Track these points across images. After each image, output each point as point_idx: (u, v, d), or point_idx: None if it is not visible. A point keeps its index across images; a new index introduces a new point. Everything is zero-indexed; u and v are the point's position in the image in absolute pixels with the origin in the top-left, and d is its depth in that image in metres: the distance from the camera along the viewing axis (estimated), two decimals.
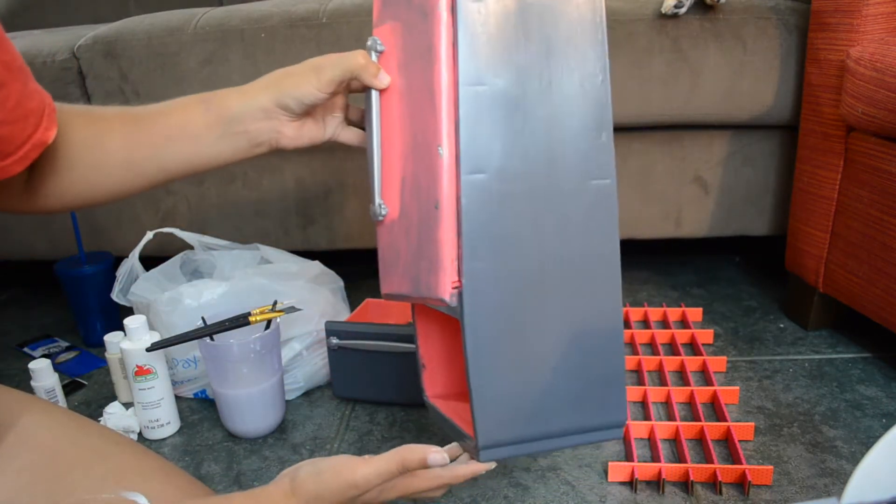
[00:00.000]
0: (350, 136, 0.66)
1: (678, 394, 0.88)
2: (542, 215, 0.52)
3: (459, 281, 0.50)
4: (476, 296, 0.51)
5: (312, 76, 0.58)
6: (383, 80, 0.56)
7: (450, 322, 0.63)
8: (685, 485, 0.74)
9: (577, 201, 0.53)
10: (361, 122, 0.65)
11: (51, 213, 0.62)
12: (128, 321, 0.85)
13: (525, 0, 0.51)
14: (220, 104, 0.60)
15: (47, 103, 0.53)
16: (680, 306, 1.10)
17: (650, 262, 1.34)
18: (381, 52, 0.57)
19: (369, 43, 0.57)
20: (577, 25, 0.52)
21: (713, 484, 0.74)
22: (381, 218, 0.58)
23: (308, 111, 0.61)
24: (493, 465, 0.54)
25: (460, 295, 0.50)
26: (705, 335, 1.03)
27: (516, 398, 0.53)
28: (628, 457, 0.79)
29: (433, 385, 0.65)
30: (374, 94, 0.57)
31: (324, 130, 0.64)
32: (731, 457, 0.78)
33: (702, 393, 0.88)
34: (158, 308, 0.89)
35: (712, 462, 0.76)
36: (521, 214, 0.51)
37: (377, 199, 0.57)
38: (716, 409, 0.86)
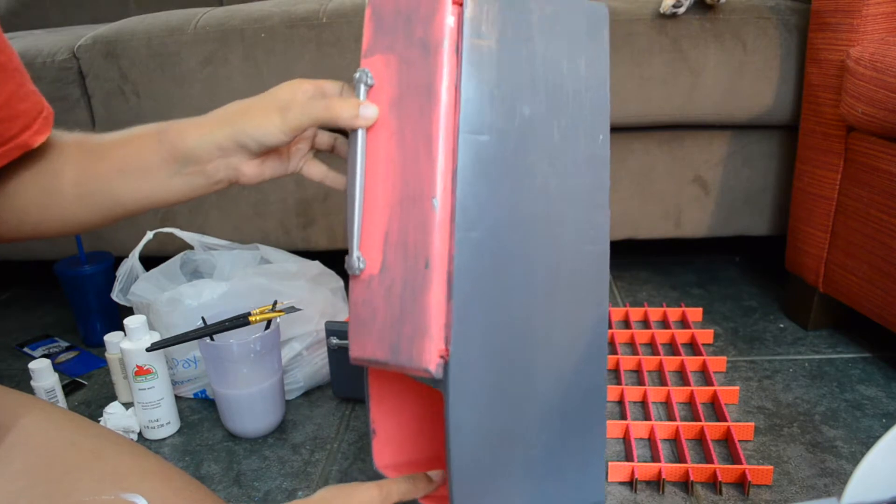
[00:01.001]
0: (316, 171, 0.59)
1: (678, 394, 0.88)
2: (535, 279, 0.49)
3: (447, 350, 0.46)
4: (464, 366, 0.46)
5: (277, 117, 0.51)
6: (367, 115, 0.49)
7: (408, 387, 0.59)
8: (685, 485, 0.74)
9: (571, 265, 0.50)
10: (331, 149, 0.60)
11: (4, 240, 0.58)
12: (128, 321, 0.85)
13: (534, 48, 0.48)
14: (175, 138, 0.54)
15: (44, 108, 0.52)
16: (680, 306, 1.10)
17: (650, 262, 1.34)
18: (370, 87, 0.49)
19: (357, 76, 0.49)
20: (583, 83, 0.50)
21: (713, 484, 0.74)
22: (357, 272, 0.50)
23: (270, 151, 0.55)
24: None
25: (446, 366, 0.46)
26: (705, 335, 1.03)
27: (496, 473, 0.50)
28: (628, 457, 0.79)
29: (383, 455, 0.61)
30: (361, 135, 0.49)
31: (287, 164, 0.58)
32: (731, 457, 0.78)
33: (702, 393, 0.88)
34: (158, 308, 0.89)
35: (712, 462, 0.76)
36: (514, 278, 0.48)
37: (356, 252, 0.50)
38: (716, 409, 0.86)
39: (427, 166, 0.45)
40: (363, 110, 0.49)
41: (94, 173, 0.55)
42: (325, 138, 0.59)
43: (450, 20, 0.44)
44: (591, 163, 0.51)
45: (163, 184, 0.55)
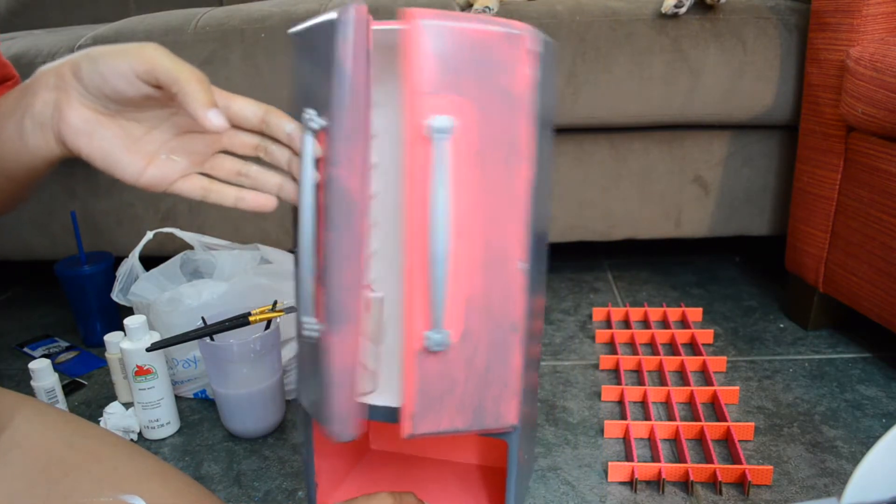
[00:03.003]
0: (195, 185, 0.48)
1: (678, 394, 0.88)
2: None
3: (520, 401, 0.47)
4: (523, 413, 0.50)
5: (132, 50, 0.43)
6: (213, 120, 0.42)
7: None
8: (685, 485, 0.74)
9: None
10: (256, 153, 0.50)
11: None
12: (128, 321, 0.84)
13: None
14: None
15: (15, 78, 0.50)
16: (680, 306, 1.10)
17: (650, 262, 1.34)
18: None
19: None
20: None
21: (713, 484, 0.74)
22: (444, 348, 0.45)
23: (118, 103, 0.45)
24: None
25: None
26: (705, 335, 1.03)
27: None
28: (628, 457, 0.79)
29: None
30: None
31: (166, 165, 0.47)
32: (731, 457, 0.78)
33: (702, 393, 0.88)
34: (158, 308, 0.89)
35: (712, 462, 0.76)
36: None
37: (440, 323, 0.43)
38: (716, 409, 0.86)
39: (514, 227, 0.44)
40: (213, 113, 0.42)
41: None
42: (243, 139, 0.49)
43: (531, 70, 0.42)
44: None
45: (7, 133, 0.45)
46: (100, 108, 0.44)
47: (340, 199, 0.42)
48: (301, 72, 0.45)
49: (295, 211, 0.47)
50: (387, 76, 0.51)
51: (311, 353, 0.47)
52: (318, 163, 0.44)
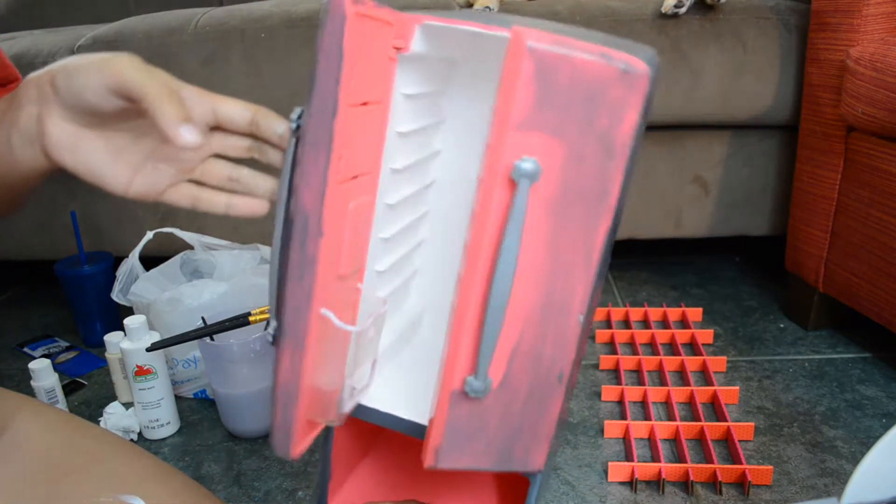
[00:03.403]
0: (184, 192, 0.47)
1: (678, 394, 0.88)
2: None
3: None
4: None
5: (108, 67, 0.41)
6: (185, 136, 0.40)
7: (371, 441, 0.60)
8: (685, 485, 0.74)
9: None
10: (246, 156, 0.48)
11: None
12: (128, 321, 0.84)
13: None
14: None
15: (18, 79, 0.50)
16: (680, 306, 1.10)
17: (650, 262, 1.34)
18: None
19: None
20: None
21: (713, 484, 0.74)
22: (484, 395, 0.42)
23: (97, 116, 0.43)
24: None
25: None
26: (705, 335, 1.03)
27: None
28: (628, 457, 0.79)
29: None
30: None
31: (152, 174, 0.46)
32: (731, 457, 0.78)
33: (702, 393, 0.88)
34: (158, 308, 0.89)
35: (712, 462, 0.76)
36: None
37: (481, 369, 0.40)
38: (716, 409, 0.86)
39: (582, 280, 0.40)
40: (185, 129, 0.40)
41: None
42: (235, 142, 0.47)
43: (640, 116, 0.37)
44: None
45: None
46: (81, 120, 0.43)
47: (296, 214, 0.39)
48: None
49: None
50: (454, 88, 0.50)
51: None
52: None
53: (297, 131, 0.40)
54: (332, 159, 0.38)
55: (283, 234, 0.40)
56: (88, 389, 1.00)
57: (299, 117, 0.39)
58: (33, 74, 0.44)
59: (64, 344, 1.14)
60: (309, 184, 0.38)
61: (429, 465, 0.44)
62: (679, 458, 0.78)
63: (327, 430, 0.56)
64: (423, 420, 0.49)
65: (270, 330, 0.43)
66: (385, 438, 0.69)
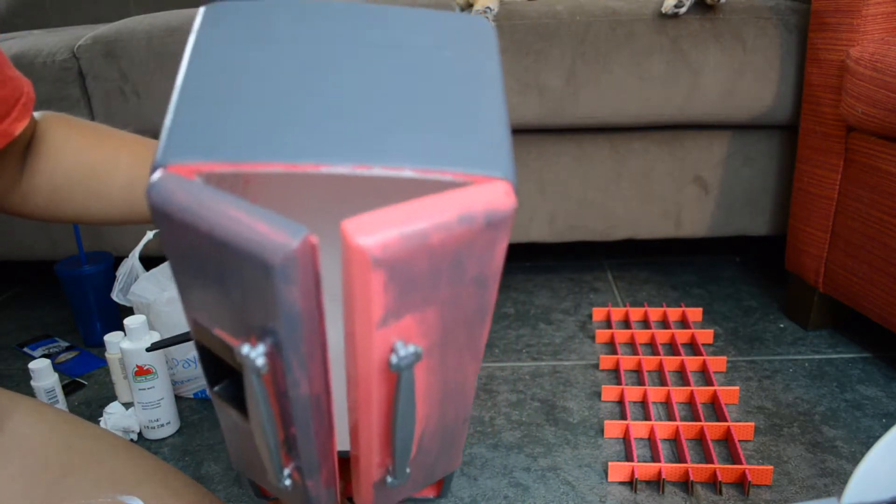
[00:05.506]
0: None
1: (678, 394, 0.88)
2: None
3: None
4: None
5: None
6: None
7: None
8: (685, 485, 0.74)
9: None
10: None
11: (35, 219, 0.61)
12: (128, 321, 0.84)
13: None
14: None
15: (24, 93, 0.51)
16: (680, 306, 1.10)
17: (650, 262, 1.34)
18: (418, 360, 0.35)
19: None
20: None
21: (713, 484, 0.74)
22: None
23: None
24: None
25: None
26: (705, 335, 1.03)
27: None
28: (628, 457, 0.79)
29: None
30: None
31: None
32: (731, 457, 0.78)
33: (702, 393, 0.88)
34: (158, 308, 0.89)
35: (712, 462, 0.76)
36: None
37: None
38: (716, 409, 0.86)
39: (473, 365, 0.39)
40: None
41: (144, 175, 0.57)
42: None
43: (507, 240, 0.35)
44: None
45: None
46: None
47: (306, 406, 0.35)
48: (196, 282, 0.33)
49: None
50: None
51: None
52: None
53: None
54: (326, 350, 0.35)
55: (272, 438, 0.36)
56: (88, 389, 1.00)
57: (259, 350, 0.33)
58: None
59: (64, 344, 1.14)
60: (314, 380, 0.35)
61: None
62: (679, 458, 0.78)
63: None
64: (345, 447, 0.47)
65: (285, 479, 0.39)
66: None
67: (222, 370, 0.37)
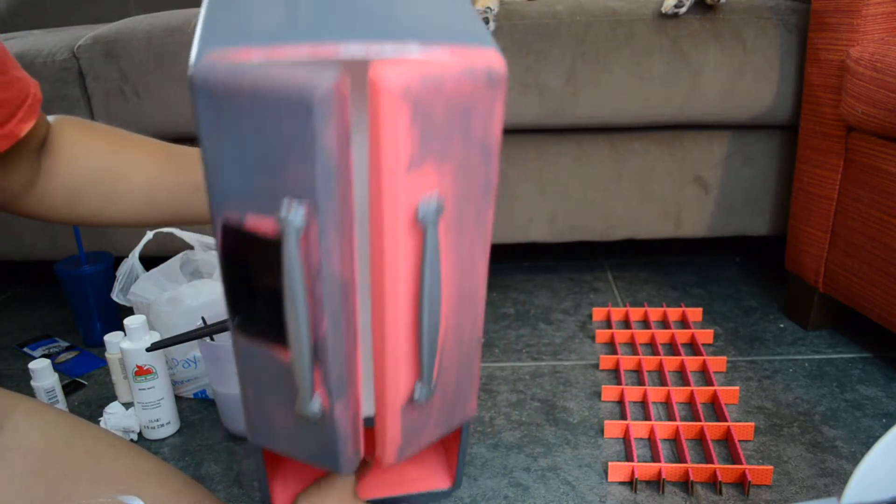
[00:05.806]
0: None
1: (678, 394, 0.88)
2: None
3: None
4: None
5: None
6: None
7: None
8: (685, 485, 0.74)
9: None
10: None
11: (51, 221, 0.62)
12: (128, 321, 0.84)
13: None
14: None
15: (31, 94, 0.51)
16: (680, 306, 1.10)
17: (650, 262, 1.34)
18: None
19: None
20: None
21: (713, 484, 0.74)
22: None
23: None
24: None
25: None
26: (705, 335, 1.03)
27: None
28: (628, 457, 0.79)
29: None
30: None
31: None
32: (731, 457, 0.78)
33: (702, 393, 0.88)
34: (158, 308, 0.89)
35: (712, 462, 0.76)
36: None
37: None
38: (716, 409, 0.86)
39: (482, 266, 0.42)
40: None
41: (166, 185, 0.59)
42: None
43: (503, 113, 0.38)
44: None
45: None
46: None
47: (337, 289, 0.38)
48: (238, 144, 0.35)
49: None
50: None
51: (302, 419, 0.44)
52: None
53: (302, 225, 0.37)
54: (354, 228, 0.38)
55: (305, 327, 0.39)
56: (88, 389, 1.00)
57: (298, 207, 0.36)
58: None
59: (64, 344, 1.14)
60: (345, 258, 0.37)
61: (390, 464, 0.45)
62: (679, 458, 0.78)
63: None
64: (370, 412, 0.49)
65: (315, 407, 0.42)
66: None
67: (246, 293, 0.39)
